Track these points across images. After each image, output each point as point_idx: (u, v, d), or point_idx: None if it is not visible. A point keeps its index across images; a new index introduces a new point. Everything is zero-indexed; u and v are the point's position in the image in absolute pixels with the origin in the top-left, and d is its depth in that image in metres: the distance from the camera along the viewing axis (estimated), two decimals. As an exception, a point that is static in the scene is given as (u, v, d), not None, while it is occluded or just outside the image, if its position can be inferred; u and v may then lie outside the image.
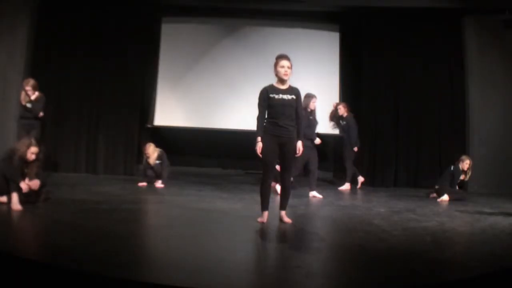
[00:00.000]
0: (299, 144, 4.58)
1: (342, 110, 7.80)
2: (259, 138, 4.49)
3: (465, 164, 6.91)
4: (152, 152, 7.21)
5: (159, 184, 7.06)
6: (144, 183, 7.07)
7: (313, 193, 6.65)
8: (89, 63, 8.32)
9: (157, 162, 7.19)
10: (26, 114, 6.93)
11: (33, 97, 6.90)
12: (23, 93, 6.93)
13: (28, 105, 6.90)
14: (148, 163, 7.20)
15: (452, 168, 7.00)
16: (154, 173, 7.19)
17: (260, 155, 4.49)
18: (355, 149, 7.73)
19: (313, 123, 6.86)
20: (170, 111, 8.88)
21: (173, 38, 9.06)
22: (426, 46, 8.31)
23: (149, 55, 8.86)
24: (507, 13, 7.29)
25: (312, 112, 6.84)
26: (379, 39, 8.42)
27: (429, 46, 8.30)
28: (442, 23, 8.25)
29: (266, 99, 4.48)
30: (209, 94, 8.93)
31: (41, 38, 8.15)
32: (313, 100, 6.80)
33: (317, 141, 6.91)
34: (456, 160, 7.02)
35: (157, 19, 9.03)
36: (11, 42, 7.88)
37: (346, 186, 7.72)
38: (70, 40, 8.23)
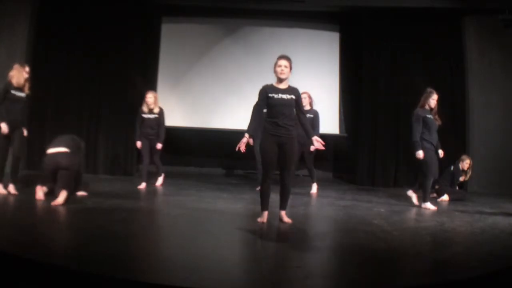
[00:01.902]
0: (317, 139, 4.54)
1: (306, 101, 6.86)
2: (246, 135, 4.55)
3: (465, 164, 6.92)
4: (155, 101, 6.82)
5: (158, 182, 6.98)
6: (139, 143, 6.82)
7: (426, 205, 5.92)
8: (89, 63, 8.32)
9: (155, 116, 6.83)
10: (15, 107, 5.69)
11: (26, 88, 5.85)
12: (17, 78, 5.74)
13: (21, 94, 5.77)
14: (142, 116, 6.78)
15: (452, 168, 7.00)
16: (150, 130, 6.78)
17: (240, 150, 4.52)
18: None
19: (433, 124, 5.91)
20: (170, 111, 8.85)
21: (173, 38, 9.05)
22: (426, 46, 8.31)
23: (149, 55, 8.86)
24: (507, 13, 7.29)
25: (432, 112, 5.96)
26: (379, 39, 8.42)
27: (429, 46, 8.30)
28: (442, 23, 8.25)
29: (264, 98, 4.50)
30: (209, 94, 8.92)
31: (41, 38, 8.16)
32: (433, 96, 5.94)
33: (441, 153, 6.02)
34: (456, 160, 7.02)
35: (157, 19, 9.02)
36: (11, 41, 7.90)
37: (315, 189, 7.04)
38: (70, 40, 8.23)
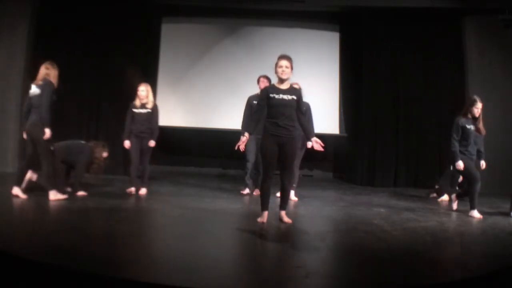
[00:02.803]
0: (315, 140, 4.48)
1: None
2: (246, 134, 4.55)
3: None
4: (148, 95, 6.13)
5: (141, 190, 6.16)
6: (127, 142, 6.12)
7: (473, 213, 5.48)
8: (89, 63, 8.32)
9: (148, 110, 6.14)
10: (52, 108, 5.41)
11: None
12: (55, 78, 5.63)
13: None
14: (132, 110, 6.12)
15: (452, 168, 6.99)
16: (140, 127, 6.09)
17: (240, 149, 4.55)
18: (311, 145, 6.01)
19: (471, 135, 5.55)
20: (170, 111, 8.87)
21: (173, 38, 9.06)
22: (426, 46, 8.32)
23: (149, 55, 8.86)
24: (507, 13, 7.29)
25: (476, 121, 5.60)
26: (379, 39, 8.43)
27: (429, 46, 8.31)
28: (442, 23, 8.25)
29: (265, 99, 4.51)
30: (209, 94, 8.92)
31: (41, 38, 8.15)
32: (476, 105, 5.55)
33: (482, 164, 5.76)
34: None
35: (157, 19, 9.03)
36: (11, 42, 7.90)
37: (293, 196, 6.23)
38: (70, 40, 8.22)
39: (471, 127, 5.60)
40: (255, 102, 6.04)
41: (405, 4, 7.88)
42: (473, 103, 5.62)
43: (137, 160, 6.19)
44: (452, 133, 5.64)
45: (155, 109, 6.24)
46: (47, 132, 5.28)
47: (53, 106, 5.45)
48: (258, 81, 6.40)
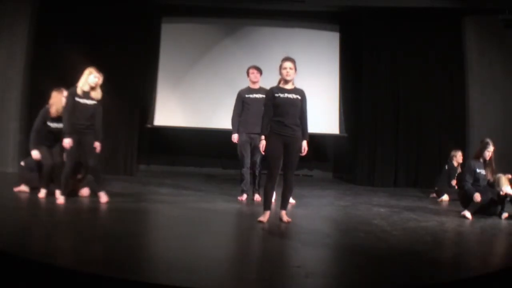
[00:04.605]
0: (304, 144, 4.63)
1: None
2: (263, 137, 4.56)
3: (459, 157, 6.95)
4: (98, 81, 5.28)
5: (102, 198, 5.35)
6: (69, 140, 5.07)
7: (465, 212, 5.47)
8: (88, 63, 8.29)
9: (95, 102, 5.28)
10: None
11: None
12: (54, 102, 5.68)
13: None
14: (78, 100, 5.19)
15: (446, 167, 7.02)
16: (85, 122, 5.16)
17: (263, 153, 4.59)
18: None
19: (482, 181, 5.60)
20: (170, 111, 8.87)
21: (173, 38, 9.05)
22: (426, 46, 8.32)
23: (149, 55, 8.85)
24: (507, 13, 7.29)
25: (486, 164, 5.65)
26: (379, 39, 8.43)
27: (429, 46, 8.31)
28: (442, 23, 8.25)
29: (271, 99, 4.55)
30: (209, 94, 8.92)
31: (41, 38, 8.15)
32: (489, 148, 5.60)
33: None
34: (449, 158, 7.06)
35: (157, 19, 9.03)
36: (11, 41, 7.90)
37: (291, 199, 5.60)
38: (70, 40, 8.21)
39: (481, 171, 5.64)
40: (247, 96, 6.04)
41: (405, 4, 7.88)
42: (485, 146, 5.66)
43: (72, 162, 5.28)
44: (465, 174, 5.64)
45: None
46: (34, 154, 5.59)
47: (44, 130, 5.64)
48: (248, 73, 6.16)
